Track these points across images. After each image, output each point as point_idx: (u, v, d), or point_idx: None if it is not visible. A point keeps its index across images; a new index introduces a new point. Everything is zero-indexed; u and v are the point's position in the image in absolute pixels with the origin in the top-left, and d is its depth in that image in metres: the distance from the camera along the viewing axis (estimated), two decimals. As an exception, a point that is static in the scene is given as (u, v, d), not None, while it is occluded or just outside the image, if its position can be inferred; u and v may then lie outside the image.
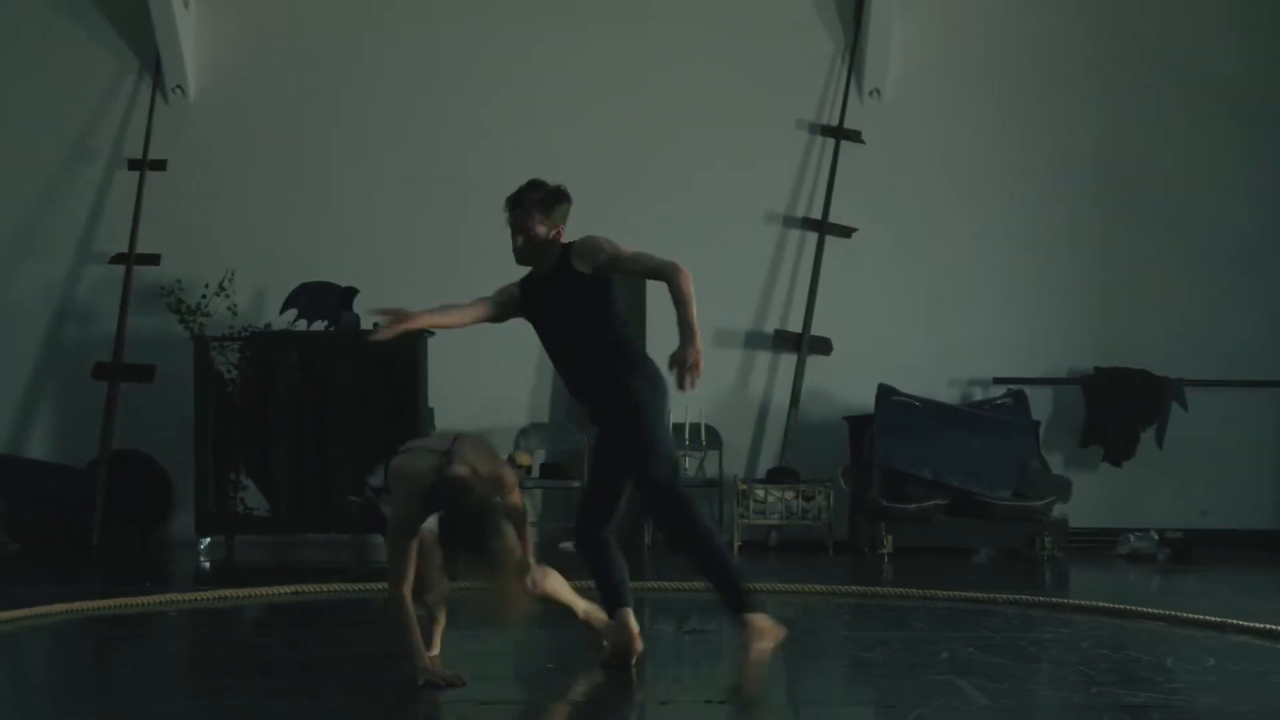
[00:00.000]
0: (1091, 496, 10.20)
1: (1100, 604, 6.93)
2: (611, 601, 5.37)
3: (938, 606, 7.07)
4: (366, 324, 10.00)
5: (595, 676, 5.31)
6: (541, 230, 5.29)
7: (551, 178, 5.45)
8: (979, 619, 6.64)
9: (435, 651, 5.25)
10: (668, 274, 5.17)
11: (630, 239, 5.40)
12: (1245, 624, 6.15)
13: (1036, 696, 4.95)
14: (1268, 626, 6.03)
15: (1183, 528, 10.04)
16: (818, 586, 7.78)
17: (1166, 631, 6.26)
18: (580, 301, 5.28)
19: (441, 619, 5.36)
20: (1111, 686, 4.91)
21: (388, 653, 5.39)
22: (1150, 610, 6.62)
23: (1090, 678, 5.09)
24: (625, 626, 5.32)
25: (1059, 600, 7.18)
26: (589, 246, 5.28)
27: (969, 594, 7.30)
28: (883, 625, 6.52)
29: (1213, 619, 6.30)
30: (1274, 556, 9.81)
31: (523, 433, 10.49)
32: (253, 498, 10.10)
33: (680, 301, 5.10)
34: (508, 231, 5.37)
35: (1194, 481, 10.44)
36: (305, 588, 7.65)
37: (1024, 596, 7.23)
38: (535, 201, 5.29)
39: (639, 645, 5.35)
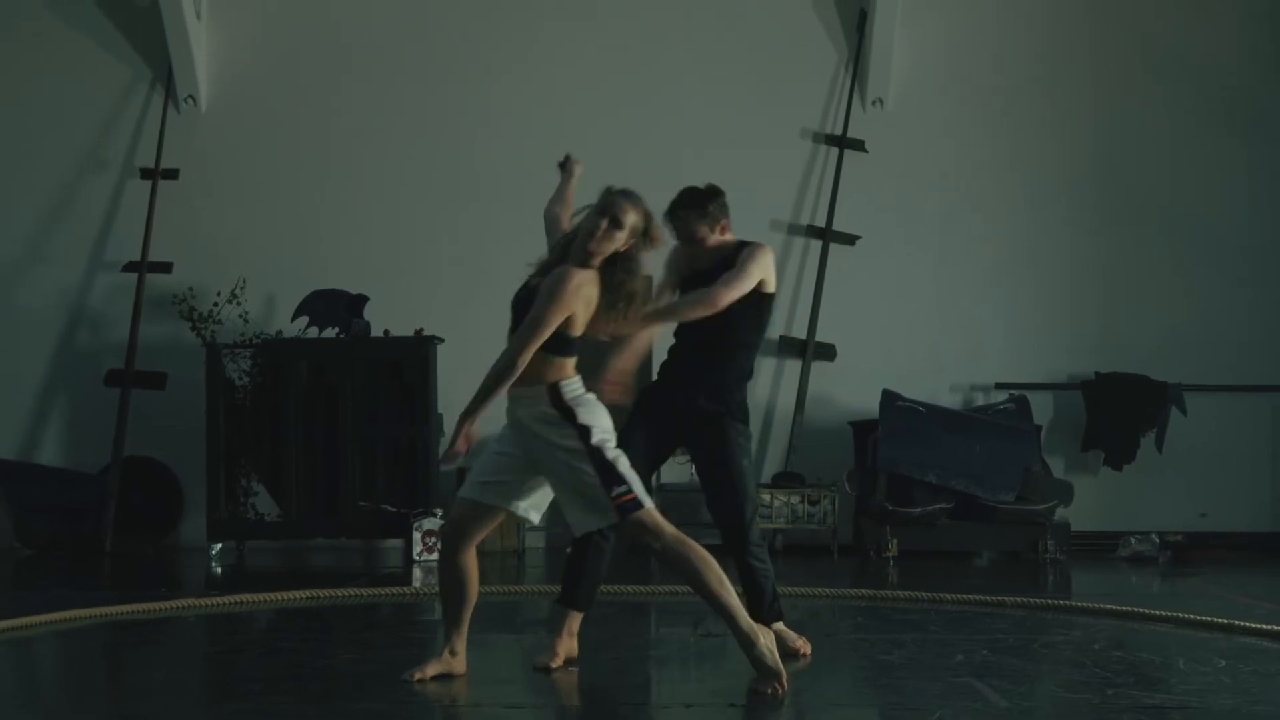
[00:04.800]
0: (1093, 500, 10.34)
1: (1108, 606, 7.04)
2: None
3: (947, 609, 7.18)
4: (377, 330, 10.15)
5: (618, 679, 5.41)
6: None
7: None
8: (990, 622, 6.75)
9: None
10: None
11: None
12: (1253, 626, 6.26)
13: (1055, 698, 5.05)
14: (1276, 628, 6.15)
15: (1183, 530, 10.20)
16: (828, 590, 7.89)
17: (1174, 633, 6.37)
18: None
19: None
20: (1127, 688, 5.01)
21: (412, 657, 5.48)
22: (1157, 612, 6.73)
23: (1105, 679, 5.19)
24: None
25: (1067, 603, 7.28)
26: None
27: (978, 597, 7.42)
28: (896, 628, 6.63)
29: (1220, 620, 6.41)
30: (1272, 558, 9.96)
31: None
32: (263, 503, 10.19)
33: None
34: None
35: (1193, 485, 10.58)
36: (320, 593, 7.74)
37: (1032, 599, 7.35)
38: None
39: None
